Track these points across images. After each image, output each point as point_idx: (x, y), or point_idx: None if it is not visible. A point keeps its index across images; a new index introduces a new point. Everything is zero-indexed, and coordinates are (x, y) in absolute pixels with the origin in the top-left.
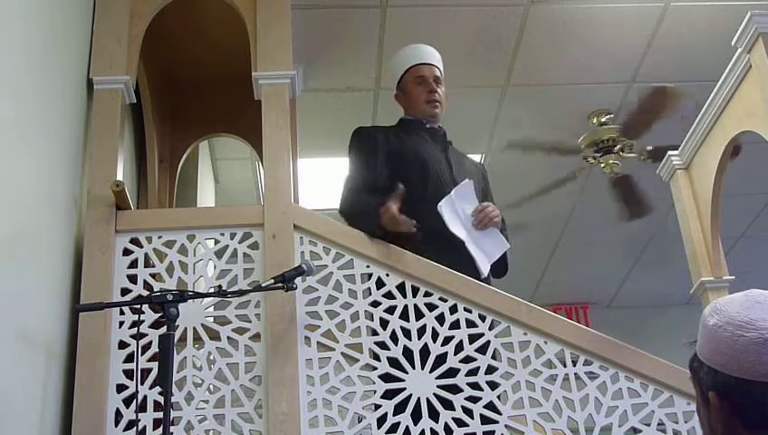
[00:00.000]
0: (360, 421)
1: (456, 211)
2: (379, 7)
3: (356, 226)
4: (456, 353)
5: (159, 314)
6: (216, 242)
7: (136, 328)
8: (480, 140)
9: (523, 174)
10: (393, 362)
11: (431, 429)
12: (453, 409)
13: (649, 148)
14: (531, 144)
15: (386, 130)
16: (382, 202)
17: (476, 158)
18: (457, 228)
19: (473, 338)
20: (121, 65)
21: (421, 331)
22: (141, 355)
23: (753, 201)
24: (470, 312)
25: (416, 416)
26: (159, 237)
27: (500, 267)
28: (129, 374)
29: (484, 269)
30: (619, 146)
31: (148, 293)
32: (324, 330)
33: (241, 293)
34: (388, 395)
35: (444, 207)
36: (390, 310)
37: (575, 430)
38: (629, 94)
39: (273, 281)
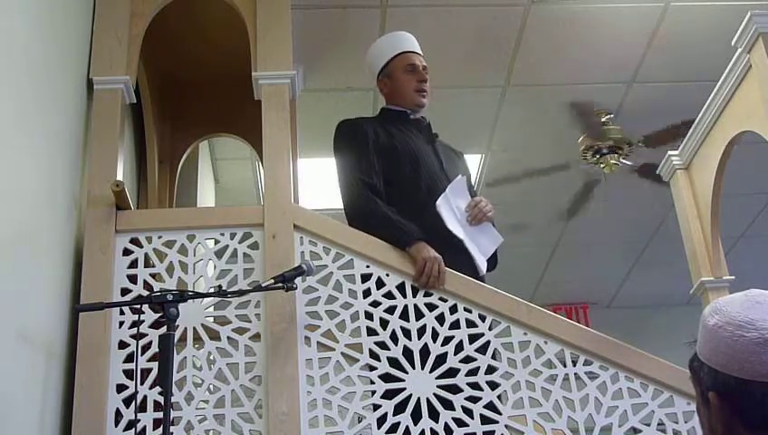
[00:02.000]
0: (360, 421)
1: (451, 209)
2: (379, 7)
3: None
4: (455, 353)
5: (159, 314)
6: (216, 242)
7: (136, 328)
8: (480, 140)
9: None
10: (393, 362)
11: (431, 429)
12: (453, 409)
13: (641, 137)
14: (526, 173)
15: (372, 123)
16: (420, 238)
17: (476, 157)
18: (455, 227)
19: (473, 338)
20: (121, 65)
21: (421, 331)
22: (141, 355)
23: (753, 201)
24: (470, 312)
25: (416, 416)
26: (159, 237)
27: (490, 260)
28: (129, 374)
29: (483, 267)
30: (611, 145)
31: (148, 293)
32: (324, 330)
33: (241, 293)
34: (389, 395)
35: (441, 206)
36: (390, 310)
37: (575, 430)
38: (629, 94)
39: (273, 281)
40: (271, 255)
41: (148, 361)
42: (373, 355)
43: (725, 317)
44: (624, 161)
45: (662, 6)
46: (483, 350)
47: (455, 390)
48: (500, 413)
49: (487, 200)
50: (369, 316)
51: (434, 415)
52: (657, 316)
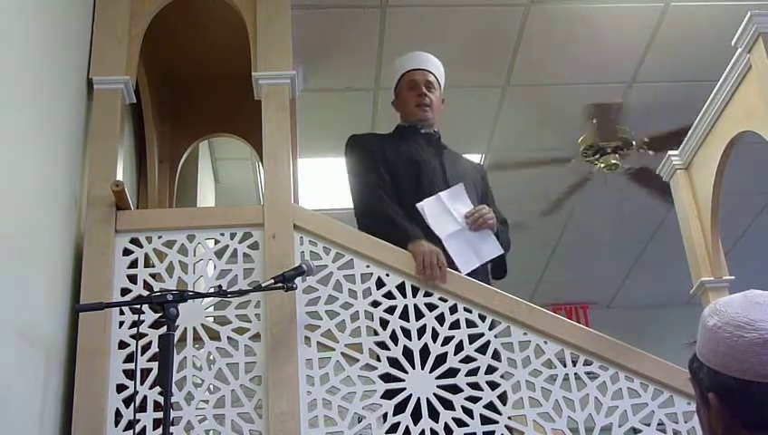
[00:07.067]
0: (360, 421)
1: (446, 211)
2: (379, 7)
3: (376, 233)
4: (455, 353)
5: (159, 314)
6: (216, 242)
7: (136, 328)
8: (480, 140)
9: (525, 179)
10: (393, 362)
11: (431, 429)
12: (453, 409)
13: (646, 139)
14: (520, 163)
15: (380, 137)
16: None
17: (476, 157)
18: (439, 227)
19: (473, 338)
20: (121, 65)
21: (421, 331)
22: (141, 355)
23: (753, 201)
24: (470, 312)
25: (416, 416)
26: (159, 237)
27: (499, 269)
28: (129, 374)
29: (463, 269)
30: (617, 145)
31: (148, 293)
32: (324, 330)
33: (241, 293)
34: (388, 395)
35: (426, 207)
36: (390, 310)
37: (575, 429)
38: (629, 94)
39: (273, 281)
40: (271, 255)
41: (148, 361)
42: (373, 355)
43: (725, 318)
44: (622, 162)
45: (662, 6)
46: (483, 350)
47: (455, 390)
48: (500, 413)
49: (489, 209)
50: (369, 316)
51: (434, 415)
52: (657, 316)
